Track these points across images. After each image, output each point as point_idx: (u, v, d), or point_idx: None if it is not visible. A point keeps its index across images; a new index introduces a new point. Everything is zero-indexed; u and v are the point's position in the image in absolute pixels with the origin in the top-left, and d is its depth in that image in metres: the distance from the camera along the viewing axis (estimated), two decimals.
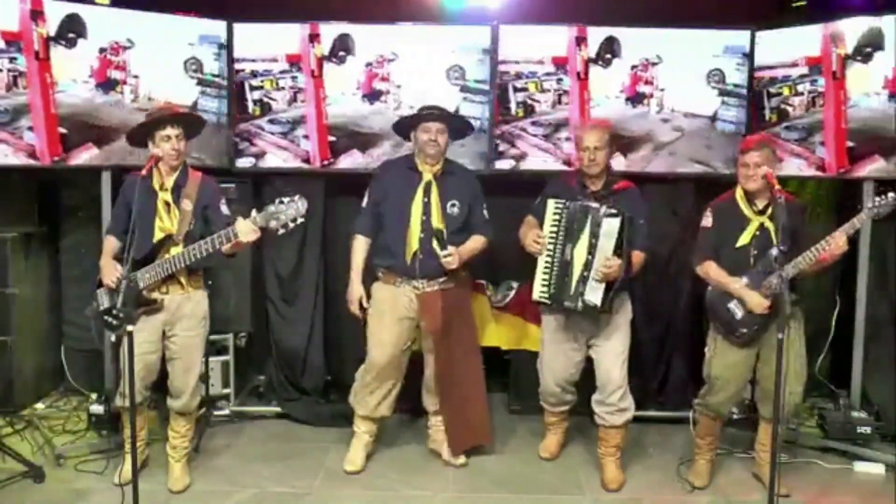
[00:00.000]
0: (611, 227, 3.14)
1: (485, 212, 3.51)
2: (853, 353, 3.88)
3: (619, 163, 3.85)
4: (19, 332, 4.05)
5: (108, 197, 3.75)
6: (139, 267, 3.04)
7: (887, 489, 3.38)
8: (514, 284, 4.16)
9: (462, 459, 3.58)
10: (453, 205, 3.40)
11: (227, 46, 3.97)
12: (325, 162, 4.01)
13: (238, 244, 2.98)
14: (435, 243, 3.32)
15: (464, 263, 3.42)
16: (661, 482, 3.45)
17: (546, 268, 3.29)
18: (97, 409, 3.71)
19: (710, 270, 3.23)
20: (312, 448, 3.78)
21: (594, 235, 3.16)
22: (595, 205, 3.20)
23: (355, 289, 3.46)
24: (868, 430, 3.67)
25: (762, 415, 3.32)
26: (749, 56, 3.95)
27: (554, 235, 3.27)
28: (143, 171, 3.02)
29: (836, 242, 3.00)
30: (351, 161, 4.02)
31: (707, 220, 3.28)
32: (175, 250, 3.10)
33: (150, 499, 3.10)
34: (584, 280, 3.18)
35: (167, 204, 3.15)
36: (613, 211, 3.15)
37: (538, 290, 3.32)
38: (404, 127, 3.49)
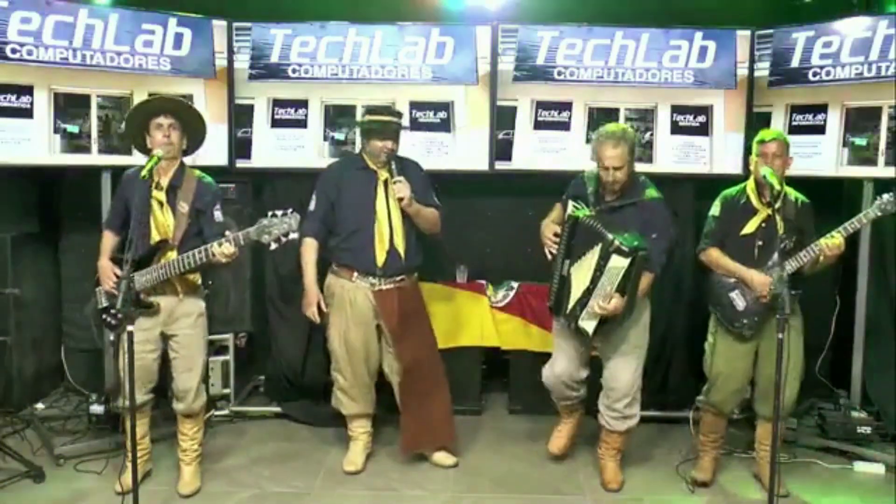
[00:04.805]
0: (617, 264, 2.99)
1: (435, 198, 3.51)
2: (853, 353, 3.88)
3: None
4: (19, 332, 4.04)
5: (107, 197, 3.75)
6: (136, 267, 3.03)
7: (887, 489, 3.38)
8: (514, 284, 4.17)
9: (452, 460, 3.58)
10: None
11: (228, 46, 3.98)
12: None
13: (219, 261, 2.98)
14: (387, 174, 3.34)
15: (414, 269, 3.50)
16: (661, 482, 3.45)
17: (553, 276, 3.26)
18: (97, 409, 3.70)
19: (713, 255, 3.27)
20: (312, 448, 3.78)
21: (599, 268, 3.02)
22: (609, 236, 2.99)
23: (313, 291, 3.41)
24: (868, 430, 3.67)
25: (760, 413, 3.32)
26: (750, 56, 3.95)
27: (559, 246, 3.22)
28: (144, 172, 2.99)
29: (833, 242, 3.01)
30: None
31: (716, 209, 3.30)
32: (171, 254, 3.08)
33: (150, 498, 3.11)
34: (581, 304, 3.12)
35: (161, 203, 3.12)
36: (625, 249, 2.96)
37: (550, 296, 3.30)
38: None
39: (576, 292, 3.15)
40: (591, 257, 3.07)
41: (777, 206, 3.07)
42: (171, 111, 3.14)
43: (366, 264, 3.39)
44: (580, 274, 3.14)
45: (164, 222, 3.12)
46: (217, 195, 3.25)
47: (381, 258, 3.38)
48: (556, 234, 3.24)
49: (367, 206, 3.38)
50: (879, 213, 3.05)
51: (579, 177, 3.35)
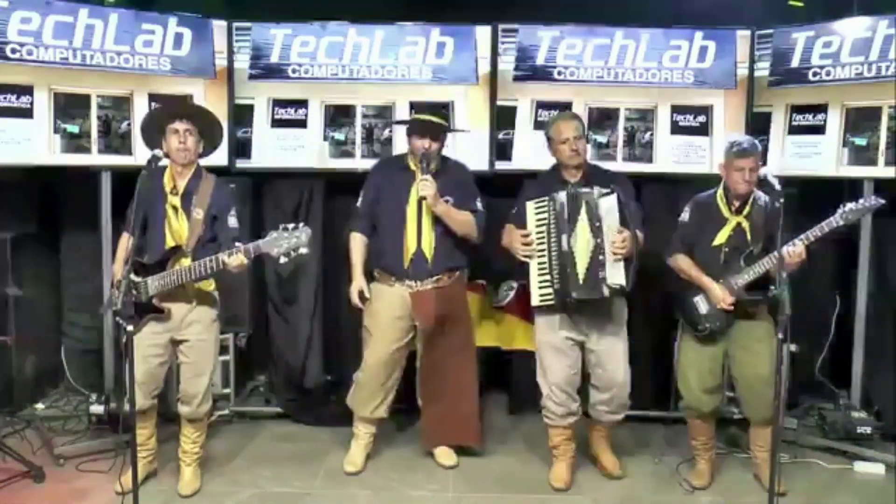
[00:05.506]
0: (609, 204, 3.13)
1: (478, 203, 3.49)
2: (853, 354, 3.88)
3: None
4: (19, 332, 4.03)
5: (107, 197, 3.75)
6: (150, 272, 3.03)
7: (887, 489, 3.38)
8: (514, 284, 4.16)
9: (453, 460, 3.58)
10: (447, 200, 3.37)
11: (228, 46, 3.97)
12: None
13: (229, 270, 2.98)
14: (419, 173, 3.34)
15: (456, 269, 3.50)
16: (661, 482, 3.45)
17: (542, 268, 3.21)
18: (97, 409, 3.70)
19: (680, 261, 3.30)
20: (312, 448, 3.78)
21: (596, 218, 3.12)
22: (586, 189, 3.18)
23: (358, 282, 3.45)
24: (868, 430, 3.67)
25: (748, 417, 3.34)
26: (750, 56, 3.96)
27: (543, 234, 3.21)
28: (143, 171, 2.92)
29: (793, 250, 3.00)
30: None
31: (685, 215, 3.34)
32: (185, 261, 3.06)
33: (150, 499, 3.11)
34: (601, 265, 3.12)
35: (175, 209, 3.09)
36: (606, 190, 3.15)
37: (538, 294, 3.24)
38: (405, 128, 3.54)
39: (583, 260, 3.14)
40: (584, 221, 3.15)
41: (746, 211, 3.15)
42: (188, 116, 3.12)
43: (397, 265, 3.41)
44: (581, 242, 3.15)
45: (178, 228, 3.09)
46: (232, 197, 3.21)
47: (406, 260, 3.39)
48: (525, 236, 3.25)
49: (401, 207, 3.39)
50: (842, 222, 3.03)
51: (530, 181, 3.43)
